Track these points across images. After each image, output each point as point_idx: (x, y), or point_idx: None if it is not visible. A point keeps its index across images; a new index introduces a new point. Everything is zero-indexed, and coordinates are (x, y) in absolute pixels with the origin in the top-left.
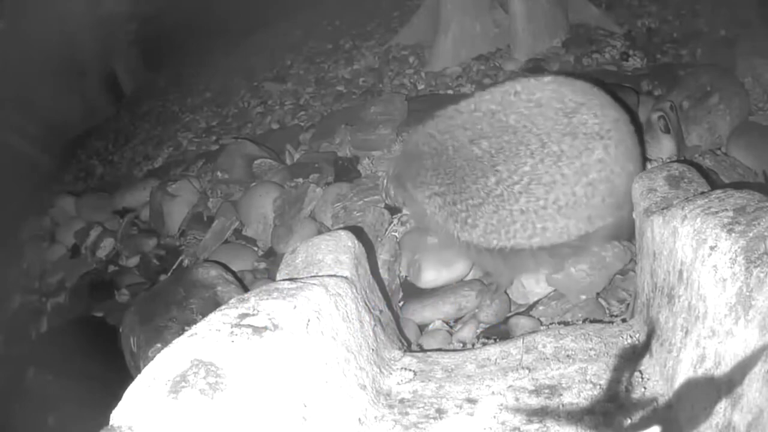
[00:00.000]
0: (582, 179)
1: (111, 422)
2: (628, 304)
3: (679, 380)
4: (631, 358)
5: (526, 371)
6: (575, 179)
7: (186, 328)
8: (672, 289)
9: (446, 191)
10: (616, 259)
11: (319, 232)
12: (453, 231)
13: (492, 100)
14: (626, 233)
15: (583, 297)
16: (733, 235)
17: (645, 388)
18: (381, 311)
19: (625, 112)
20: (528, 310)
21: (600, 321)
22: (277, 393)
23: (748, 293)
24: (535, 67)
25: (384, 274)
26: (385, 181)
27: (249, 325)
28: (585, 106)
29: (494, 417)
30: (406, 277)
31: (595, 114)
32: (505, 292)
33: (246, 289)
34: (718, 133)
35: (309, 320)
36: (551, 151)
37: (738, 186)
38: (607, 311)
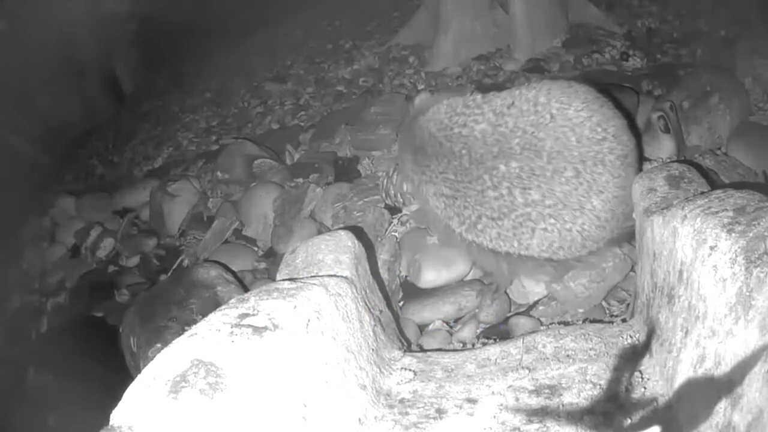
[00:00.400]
0: (607, 206)
1: (111, 422)
2: (628, 304)
3: (679, 380)
4: (631, 358)
5: (526, 371)
6: (602, 207)
7: (186, 328)
8: (672, 289)
9: (456, 195)
10: (616, 270)
11: (319, 232)
12: (457, 230)
13: (522, 118)
14: (628, 238)
15: (581, 311)
16: (733, 235)
17: (645, 388)
18: (381, 311)
19: (634, 135)
20: (528, 310)
21: (600, 321)
22: (277, 393)
23: (748, 293)
24: (535, 67)
25: (384, 274)
26: (385, 181)
27: (249, 325)
28: (611, 132)
29: (494, 417)
30: (406, 277)
31: (619, 140)
32: (505, 292)
33: (246, 289)
34: (718, 133)
35: (309, 320)
36: (584, 180)
37: (738, 186)
38: (607, 311)
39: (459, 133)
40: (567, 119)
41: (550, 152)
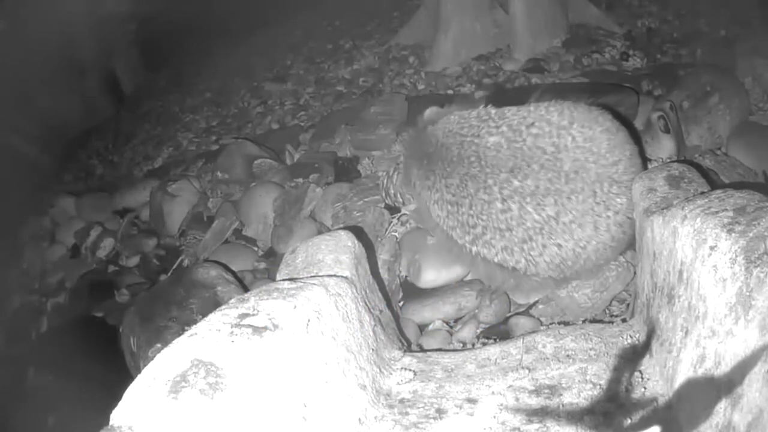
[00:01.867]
0: (620, 228)
1: (111, 422)
2: (628, 304)
3: (679, 380)
4: (631, 358)
5: (526, 371)
6: (617, 228)
7: (186, 328)
8: (672, 289)
9: (461, 203)
10: (618, 280)
11: (319, 232)
12: (460, 241)
13: (543, 138)
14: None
15: (582, 320)
16: (733, 235)
17: (645, 388)
18: (381, 311)
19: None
20: (528, 310)
21: (600, 321)
22: (277, 393)
23: (748, 293)
24: (535, 67)
25: (384, 274)
26: (385, 181)
27: (249, 325)
28: (627, 155)
29: (494, 417)
30: (406, 277)
31: (632, 163)
32: (505, 291)
33: (246, 289)
34: (718, 133)
35: (309, 320)
36: (600, 200)
37: (738, 186)
38: (607, 311)
39: (471, 141)
40: (587, 140)
41: (568, 173)
